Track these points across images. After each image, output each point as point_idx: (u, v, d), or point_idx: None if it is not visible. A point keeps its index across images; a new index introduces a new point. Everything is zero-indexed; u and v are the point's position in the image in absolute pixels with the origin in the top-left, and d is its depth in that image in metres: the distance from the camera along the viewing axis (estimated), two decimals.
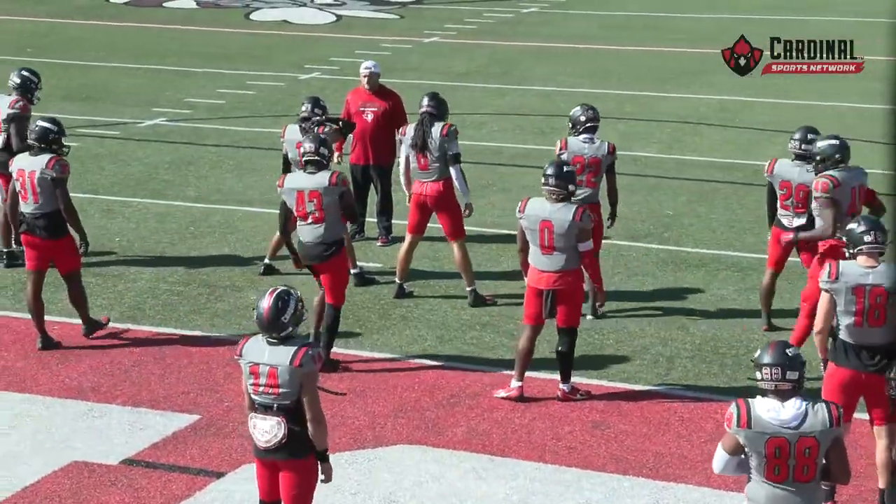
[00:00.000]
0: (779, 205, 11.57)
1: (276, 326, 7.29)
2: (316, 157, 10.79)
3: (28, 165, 11.49)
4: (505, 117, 20.78)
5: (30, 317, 11.69)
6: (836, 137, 10.84)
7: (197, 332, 11.88)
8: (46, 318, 11.80)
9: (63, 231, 11.50)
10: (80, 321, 11.87)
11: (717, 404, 10.40)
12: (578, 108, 12.18)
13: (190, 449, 9.62)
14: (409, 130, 12.64)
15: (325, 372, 11.00)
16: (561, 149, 11.97)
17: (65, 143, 11.69)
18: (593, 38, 27.76)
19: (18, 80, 13.39)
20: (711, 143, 19.18)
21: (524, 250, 10.57)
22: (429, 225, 12.91)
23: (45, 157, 11.44)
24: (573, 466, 9.41)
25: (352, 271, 12.73)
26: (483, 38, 27.78)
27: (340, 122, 13.30)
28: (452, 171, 12.52)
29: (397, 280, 12.87)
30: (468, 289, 12.63)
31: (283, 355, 7.27)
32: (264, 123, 20.12)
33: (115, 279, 13.05)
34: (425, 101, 12.69)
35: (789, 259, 11.78)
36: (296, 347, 7.28)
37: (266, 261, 13.40)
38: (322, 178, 10.75)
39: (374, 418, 10.14)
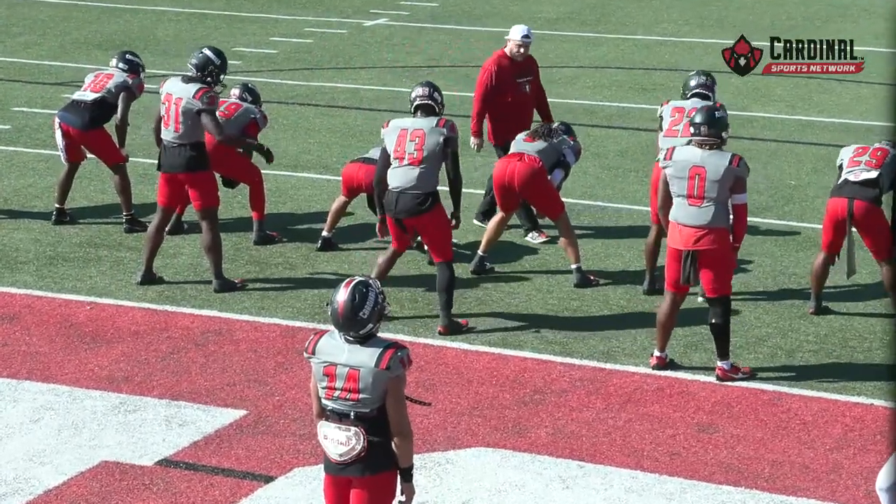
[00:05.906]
0: None
1: (354, 324, 7.16)
2: (428, 102, 11.39)
3: (176, 91, 12.19)
4: (600, 71, 20.67)
5: (51, 295, 11.95)
6: None
7: (244, 317, 11.93)
8: (72, 297, 12.03)
9: (202, 165, 12.19)
10: (111, 301, 12.02)
11: (844, 405, 10.31)
12: (693, 74, 12.62)
13: (235, 449, 9.66)
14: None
15: (449, 335, 11.31)
16: (663, 105, 12.35)
17: (223, 81, 12.47)
18: None
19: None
20: (841, 101, 18.96)
21: (666, 206, 10.67)
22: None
23: (194, 87, 12.11)
24: (676, 476, 9.35)
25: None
26: None
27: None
28: None
29: (479, 252, 12.87)
30: (573, 266, 12.63)
31: (366, 356, 7.16)
32: (323, 77, 20.16)
33: None
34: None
35: None
36: (381, 348, 7.17)
37: (324, 234, 13.43)
38: (430, 120, 11.30)
39: (445, 416, 10.13)
